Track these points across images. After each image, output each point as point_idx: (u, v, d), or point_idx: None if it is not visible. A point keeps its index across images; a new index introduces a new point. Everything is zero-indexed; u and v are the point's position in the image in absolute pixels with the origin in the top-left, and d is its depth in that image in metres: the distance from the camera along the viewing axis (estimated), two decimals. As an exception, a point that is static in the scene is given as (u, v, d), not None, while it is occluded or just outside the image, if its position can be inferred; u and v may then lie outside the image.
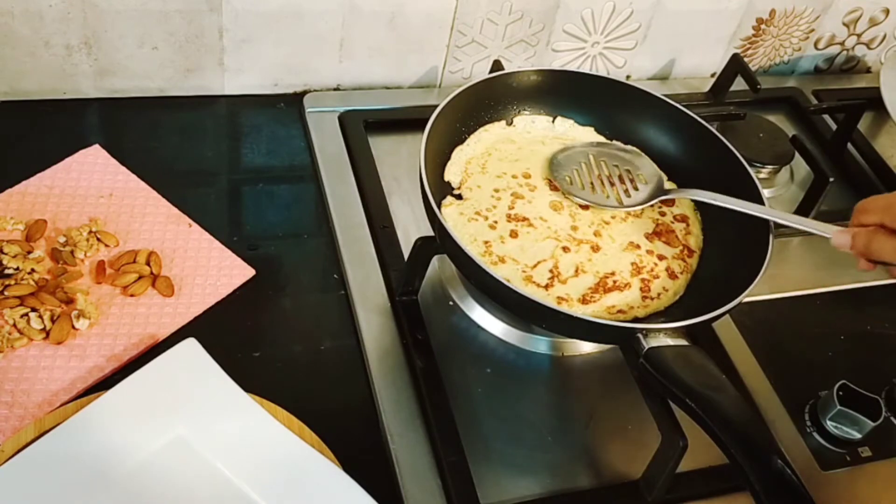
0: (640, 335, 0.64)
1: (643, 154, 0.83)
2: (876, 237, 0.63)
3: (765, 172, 0.97)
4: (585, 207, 0.78)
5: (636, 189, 0.79)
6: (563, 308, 0.67)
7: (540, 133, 0.85)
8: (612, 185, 0.79)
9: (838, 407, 0.73)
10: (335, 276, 0.80)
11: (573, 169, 0.80)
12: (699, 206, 0.81)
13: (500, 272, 0.70)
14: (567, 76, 0.86)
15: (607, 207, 0.78)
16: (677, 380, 0.62)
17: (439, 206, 0.70)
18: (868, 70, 1.22)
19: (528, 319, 0.75)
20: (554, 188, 0.79)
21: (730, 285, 0.69)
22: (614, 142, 0.85)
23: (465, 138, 0.81)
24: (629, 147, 0.84)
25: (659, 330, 0.65)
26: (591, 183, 0.79)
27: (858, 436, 0.74)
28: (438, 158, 0.78)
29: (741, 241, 0.75)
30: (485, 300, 0.78)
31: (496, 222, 0.75)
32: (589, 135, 0.85)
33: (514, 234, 0.74)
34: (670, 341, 0.64)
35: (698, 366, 0.64)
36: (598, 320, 0.66)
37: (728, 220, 0.77)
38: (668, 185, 0.81)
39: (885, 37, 1.18)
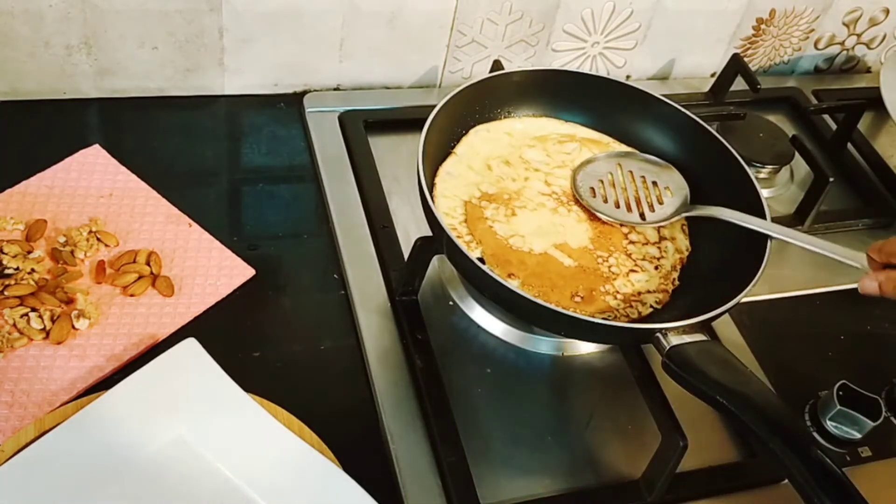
0: (659, 335, 0.65)
1: (671, 167, 0.82)
2: None
3: (765, 172, 0.97)
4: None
5: (661, 203, 0.79)
6: (570, 312, 0.67)
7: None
8: (637, 200, 0.79)
9: (838, 407, 0.73)
10: (335, 276, 0.80)
11: (598, 180, 0.80)
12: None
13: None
14: (567, 76, 0.86)
15: (630, 223, 0.77)
16: (705, 377, 0.62)
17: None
18: (868, 70, 1.22)
19: (533, 322, 0.75)
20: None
21: (729, 284, 0.69)
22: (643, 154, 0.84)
23: (464, 140, 0.81)
24: (656, 159, 0.83)
25: (678, 328, 0.65)
26: (617, 200, 0.78)
27: (858, 436, 0.74)
28: (437, 158, 0.78)
29: (740, 240, 0.74)
30: (485, 300, 0.78)
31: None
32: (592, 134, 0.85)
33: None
34: (687, 338, 0.65)
35: (722, 360, 0.64)
36: (614, 323, 0.66)
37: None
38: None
39: (885, 37, 1.18)
